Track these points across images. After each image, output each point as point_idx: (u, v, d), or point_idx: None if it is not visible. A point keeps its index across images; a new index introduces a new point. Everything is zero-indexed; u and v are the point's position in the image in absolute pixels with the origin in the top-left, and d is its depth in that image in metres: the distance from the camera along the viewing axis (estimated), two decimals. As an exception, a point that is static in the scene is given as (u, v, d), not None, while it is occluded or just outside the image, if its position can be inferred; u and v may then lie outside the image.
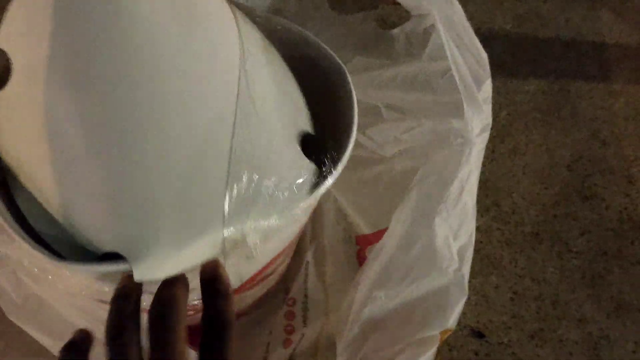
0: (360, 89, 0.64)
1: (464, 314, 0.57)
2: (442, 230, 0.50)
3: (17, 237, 0.40)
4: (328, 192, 0.67)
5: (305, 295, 0.62)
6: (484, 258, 0.68)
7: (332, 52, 0.51)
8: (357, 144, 0.68)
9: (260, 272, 0.52)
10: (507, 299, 0.67)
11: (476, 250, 0.68)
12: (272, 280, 0.59)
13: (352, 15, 0.69)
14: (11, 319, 0.50)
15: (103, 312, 0.44)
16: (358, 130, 0.65)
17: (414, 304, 0.50)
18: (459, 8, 0.53)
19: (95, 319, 0.47)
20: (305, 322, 0.60)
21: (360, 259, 0.65)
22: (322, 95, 0.53)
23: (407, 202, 0.51)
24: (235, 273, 0.48)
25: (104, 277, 0.40)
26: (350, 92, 0.49)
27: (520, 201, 0.73)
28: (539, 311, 0.66)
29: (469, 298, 0.53)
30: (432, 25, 0.57)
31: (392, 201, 0.64)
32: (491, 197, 0.73)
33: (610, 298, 0.67)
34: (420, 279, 0.49)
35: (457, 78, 0.51)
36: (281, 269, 0.60)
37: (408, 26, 0.63)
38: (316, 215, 0.68)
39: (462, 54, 0.52)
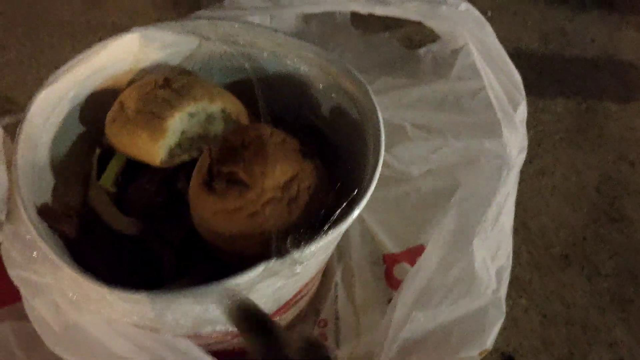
0: (386, 109, 0.67)
1: (493, 337, 0.60)
2: (480, 252, 0.52)
3: (63, 266, 0.43)
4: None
5: (337, 317, 0.64)
6: (514, 280, 0.70)
7: (353, 70, 0.54)
8: (383, 163, 0.71)
9: (295, 295, 0.54)
10: (536, 323, 0.69)
11: (506, 273, 0.71)
12: (303, 303, 0.61)
13: (376, 35, 0.71)
14: (52, 349, 0.52)
15: (143, 338, 0.47)
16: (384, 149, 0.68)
17: (452, 325, 0.52)
18: (490, 30, 0.55)
19: (135, 345, 0.48)
20: (337, 343, 0.62)
21: (388, 278, 0.67)
22: (347, 117, 0.56)
23: (445, 224, 0.53)
24: (275, 300, 0.51)
25: (148, 303, 0.42)
26: (375, 109, 0.51)
27: (548, 223, 0.75)
28: (569, 335, 0.68)
29: (499, 321, 0.55)
30: (461, 47, 0.60)
31: (419, 220, 0.66)
32: (519, 218, 0.75)
33: (641, 322, 0.69)
34: (458, 301, 0.51)
35: (492, 98, 0.53)
36: (312, 291, 0.62)
37: (435, 46, 0.66)
38: (342, 235, 0.70)
39: (496, 75, 0.55)
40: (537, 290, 0.70)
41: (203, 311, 0.43)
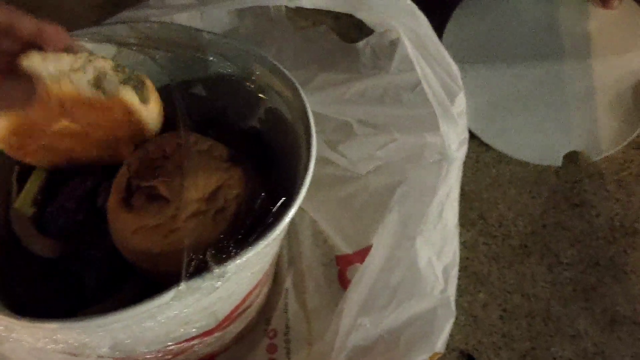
0: (329, 106, 0.66)
1: (452, 335, 0.59)
2: (424, 251, 0.51)
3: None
4: (303, 214, 0.68)
5: (287, 326, 0.63)
6: (471, 275, 0.70)
7: (282, 68, 0.52)
8: (330, 162, 0.70)
9: (237, 307, 0.53)
10: (496, 318, 0.68)
11: (463, 268, 0.70)
12: (251, 313, 0.60)
13: (313, 29, 0.70)
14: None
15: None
16: (330, 147, 0.67)
17: (400, 329, 0.51)
18: (423, 19, 0.54)
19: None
20: (288, 354, 0.61)
21: (342, 280, 0.66)
22: (279, 118, 0.55)
23: (387, 223, 0.53)
24: (211, 314, 0.49)
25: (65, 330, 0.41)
26: (304, 106, 0.50)
27: (506, 212, 0.74)
28: (530, 329, 0.68)
29: (456, 318, 0.54)
30: (398, 38, 0.59)
31: (371, 219, 0.65)
32: (476, 210, 0.74)
33: (604, 311, 0.68)
34: (405, 303, 0.51)
35: (428, 92, 0.52)
36: (259, 300, 0.61)
37: (373, 39, 0.65)
38: (292, 238, 0.69)
39: (432, 67, 0.54)
40: (496, 284, 0.69)
41: (123, 336, 0.41)
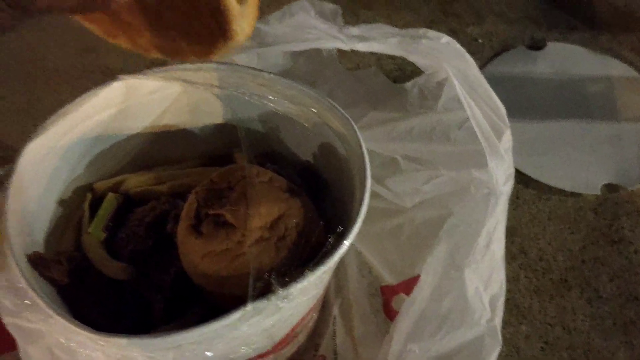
0: (377, 142, 0.68)
1: (496, 366, 0.59)
2: (472, 281, 0.52)
3: (52, 313, 0.43)
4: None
5: (335, 352, 0.64)
6: (513, 307, 0.70)
7: (337, 106, 0.54)
8: (376, 195, 0.71)
9: (292, 330, 0.54)
10: (538, 350, 0.68)
11: (505, 300, 0.71)
12: (302, 338, 0.61)
13: (364, 70, 0.72)
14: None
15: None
16: (377, 181, 0.68)
17: (448, 356, 0.51)
18: (471, 62, 0.56)
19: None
20: (336, 379, 0.62)
21: (387, 310, 0.67)
22: (333, 152, 0.57)
23: (437, 254, 0.54)
24: (269, 335, 0.51)
25: (136, 347, 0.43)
26: (359, 143, 0.52)
27: (547, 247, 0.75)
28: (571, 361, 0.68)
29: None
30: (446, 78, 0.61)
31: (416, 251, 0.66)
32: (517, 245, 0.75)
33: (644, 344, 0.68)
34: (453, 331, 0.51)
35: (476, 129, 0.54)
36: (310, 325, 0.62)
37: (420, 80, 0.67)
38: (338, 268, 0.70)
39: (479, 106, 0.55)
40: (537, 317, 0.69)
41: (189, 354, 0.43)
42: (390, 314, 0.67)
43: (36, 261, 0.47)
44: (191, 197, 0.48)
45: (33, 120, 0.87)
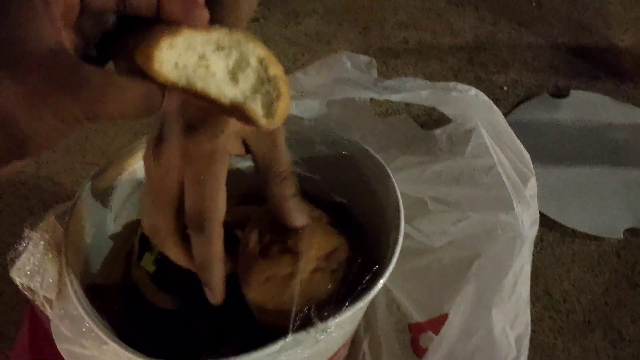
0: (406, 184, 0.71)
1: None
2: (499, 321, 0.54)
3: (107, 340, 0.46)
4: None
5: (365, 387, 0.66)
6: (538, 348, 0.71)
7: (371, 151, 0.57)
8: (405, 235, 0.73)
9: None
10: (563, 389, 0.69)
11: (529, 340, 0.72)
12: (332, 373, 0.63)
13: (395, 117, 0.76)
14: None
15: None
16: (406, 222, 0.71)
17: (475, 393, 0.53)
18: (498, 112, 0.59)
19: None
20: (366, 414, 0.64)
21: (415, 347, 0.69)
22: (367, 194, 0.60)
23: (465, 294, 0.56)
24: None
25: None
26: (393, 186, 0.55)
27: (570, 289, 0.77)
28: (596, 401, 0.69)
29: (525, 389, 0.57)
30: (473, 127, 0.64)
31: (443, 290, 0.68)
32: (541, 286, 0.77)
33: (668, 386, 0.69)
34: (480, 369, 0.53)
35: (503, 175, 0.57)
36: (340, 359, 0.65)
37: (449, 127, 0.70)
38: (368, 305, 0.72)
39: (505, 154, 0.58)
40: (561, 357, 0.71)
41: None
42: (418, 351, 0.69)
43: (92, 291, 0.51)
44: (250, 226, 0.51)
45: (81, 159, 0.91)
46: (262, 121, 0.40)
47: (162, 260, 0.57)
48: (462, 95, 0.56)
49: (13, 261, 0.50)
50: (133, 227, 0.61)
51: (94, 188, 0.56)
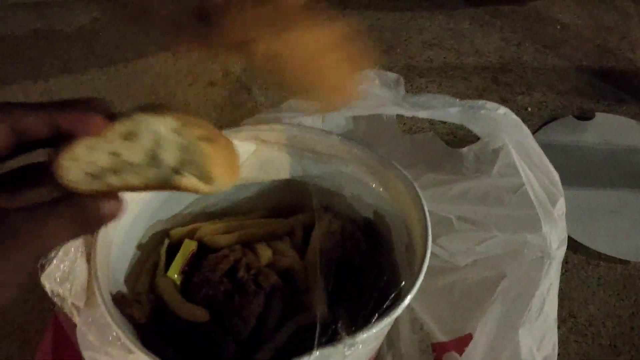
0: (432, 203, 0.70)
1: None
2: (526, 341, 0.53)
3: (134, 348, 0.46)
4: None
5: (387, 405, 0.65)
6: (563, 371, 0.70)
7: (400, 167, 0.58)
8: (431, 254, 0.73)
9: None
10: (588, 414, 0.68)
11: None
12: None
13: (421, 134, 0.76)
14: None
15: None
16: (431, 240, 0.71)
17: (501, 413, 0.53)
18: (527, 131, 0.59)
19: None
20: None
21: (437, 368, 0.68)
22: (396, 210, 0.60)
23: (491, 313, 0.55)
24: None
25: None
26: (421, 204, 0.55)
27: (596, 313, 0.75)
28: None
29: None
30: (501, 146, 0.64)
31: (468, 309, 0.67)
32: (567, 309, 0.75)
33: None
34: (507, 389, 0.52)
35: (531, 195, 0.56)
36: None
37: (476, 146, 0.69)
38: (392, 323, 0.72)
39: (534, 173, 0.58)
40: (587, 381, 0.70)
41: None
42: (440, 371, 0.68)
43: (119, 300, 0.51)
44: None
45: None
46: (203, 188, 0.36)
47: (190, 270, 0.57)
48: (491, 113, 0.56)
49: (43, 267, 0.50)
50: (160, 238, 0.62)
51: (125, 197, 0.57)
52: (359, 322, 0.47)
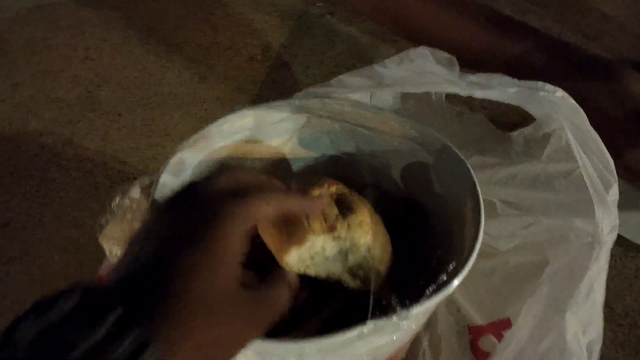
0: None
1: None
2: (572, 325, 0.53)
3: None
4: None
5: (423, 384, 0.66)
6: (601, 358, 0.70)
7: (452, 146, 0.58)
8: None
9: (390, 357, 0.56)
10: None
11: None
12: (395, 366, 0.63)
13: (470, 116, 0.75)
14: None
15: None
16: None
17: (544, 395, 0.53)
18: (584, 116, 0.58)
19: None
20: (424, 410, 0.64)
21: (474, 349, 0.68)
22: (447, 190, 0.60)
23: (538, 295, 0.55)
24: (372, 358, 0.53)
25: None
26: (475, 185, 0.55)
27: (632, 304, 0.75)
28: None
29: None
30: (553, 130, 0.63)
31: (506, 294, 0.67)
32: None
33: None
34: (551, 371, 0.53)
35: (586, 179, 0.56)
36: (401, 356, 0.64)
37: (526, 130, 0.69)
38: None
39: (589, 159, 0.57)
40: (622, 371, 0.70)
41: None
42: (477, 353, 0.68)
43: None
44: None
45: (147, 139, 0.93)
46: (353, 285, 0.51)
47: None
48: (549, 95, 0.56)
49: (102, 228, 0.51)
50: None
51: (177, 165, 0.57)
52: (411, 297, 0.47)
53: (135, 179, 0.58)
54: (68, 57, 1.10)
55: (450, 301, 0.72)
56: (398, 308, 0.45)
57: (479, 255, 0.70)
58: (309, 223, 0.47)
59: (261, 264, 0.52)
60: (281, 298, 0.43)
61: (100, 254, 0.63)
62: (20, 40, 1.15)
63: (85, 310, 0.30)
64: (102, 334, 0.28)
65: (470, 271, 0.72)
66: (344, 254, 0.49)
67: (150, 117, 0.97)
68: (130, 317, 0.30)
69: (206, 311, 0.34)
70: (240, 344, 0.38)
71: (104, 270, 0.65)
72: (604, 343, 0.72)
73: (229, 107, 0.98)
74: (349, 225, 0.49)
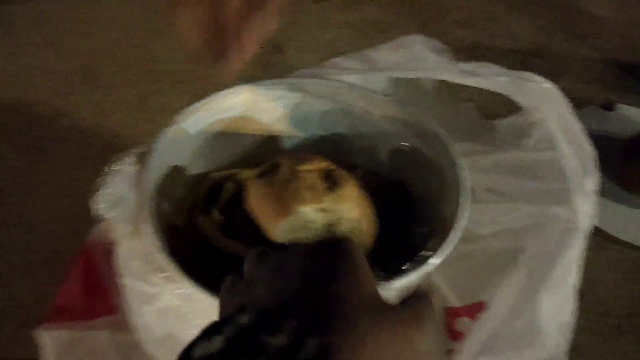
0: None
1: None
2: (545, 307, 0.55)
3: (181, 278, 0.48)
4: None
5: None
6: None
7: (441, 130, 0.59)
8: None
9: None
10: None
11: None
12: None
13: (458, 105, 0.77)
14: (152, 352, 0.57)
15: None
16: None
17: (516, 373, 0.54)
18: (569, 107, 0.60)
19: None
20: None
21: (449, 330, 0.70)
22: (425, 171, 0.61)
23: (514, 279, 0.57)
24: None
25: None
26: (462, 168, 0.57)
27: (604, 294, 0.77)
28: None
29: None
30: (537, 120, 0.65)
31: (482, 278, 0.69)
32: (576, 287, 0.77)
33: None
34: (524, 349, 0.54)
35: (566, 167, 0.58)
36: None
37: (512, 119, 0.70)
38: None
39: (571, 148, 0.59)
40: (593, 357, 0.72)
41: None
42: (452, 334, 0.70)
43: (168, 231, 0.52)
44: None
45: (143, 115, 0.94)
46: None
47: (228, 211, 0.58)
48: (537, 86, 0.57)
49: (96, 192, 0.52)
50: (201, 179, 0.63)
51: (172, 135, 0.58)
52: (394, 273, 0.48)
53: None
54: (66, 30, 1.10)
55: (428, 283, 0.73)
56: (382, 282, 0.46)
57: (458, 241, 0.72)
58: (299, 194, 0.49)
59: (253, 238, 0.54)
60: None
61: (93, 222, 0.64)
62: (20, 11, 1.14)
63: (263, 322, 0.30)
64: (284, 341, 0.29)
65: (449, 255, 0.74)
66: (332, 225, 0.51)
67: (146, 92, 0.97)
68: (305, 327, 0.31)
69: (371, 320, 0.34)
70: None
71: (94, 237, 0.66)
72: (575, 329, 0.74)
73: (223, 86, 0.99)
74: (337, 198, 0.50)
